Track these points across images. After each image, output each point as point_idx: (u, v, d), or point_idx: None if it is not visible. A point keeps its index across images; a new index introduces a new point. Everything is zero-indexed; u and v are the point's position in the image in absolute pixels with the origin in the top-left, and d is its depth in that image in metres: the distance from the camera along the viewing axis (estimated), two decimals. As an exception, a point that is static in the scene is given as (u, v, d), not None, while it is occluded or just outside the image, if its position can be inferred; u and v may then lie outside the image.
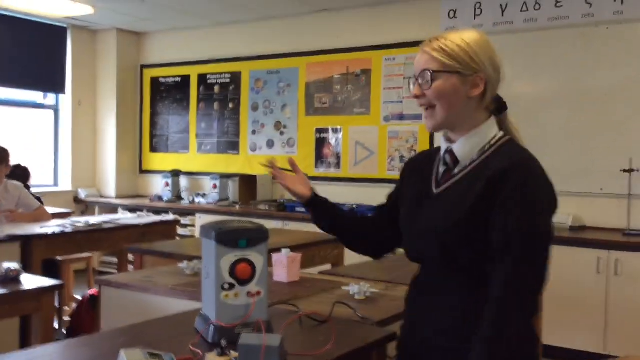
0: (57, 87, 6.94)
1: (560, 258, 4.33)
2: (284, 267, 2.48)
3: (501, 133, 1.52)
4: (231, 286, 1.60)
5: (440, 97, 1.48)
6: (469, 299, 1.46)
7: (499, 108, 1.55)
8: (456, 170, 1.51)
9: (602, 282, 4.11)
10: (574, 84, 4.75)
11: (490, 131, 1.51)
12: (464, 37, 1.49)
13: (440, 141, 1.60)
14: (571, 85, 4.77)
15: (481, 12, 5.11)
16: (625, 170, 4.45)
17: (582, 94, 4.72)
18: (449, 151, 1.53)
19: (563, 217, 4.55)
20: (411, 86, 1.56)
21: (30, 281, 2.64)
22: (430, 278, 1.55)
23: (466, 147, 1.51)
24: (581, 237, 4.34)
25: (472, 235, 1.42)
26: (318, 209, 1.78)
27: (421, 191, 1.57)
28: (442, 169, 1.55)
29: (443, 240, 1.46)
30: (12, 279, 2.60)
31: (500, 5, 5.02)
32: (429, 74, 1.48)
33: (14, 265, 2.64)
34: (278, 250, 2.55)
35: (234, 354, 1.42)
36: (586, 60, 4.70)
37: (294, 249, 2.63)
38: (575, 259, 4.19)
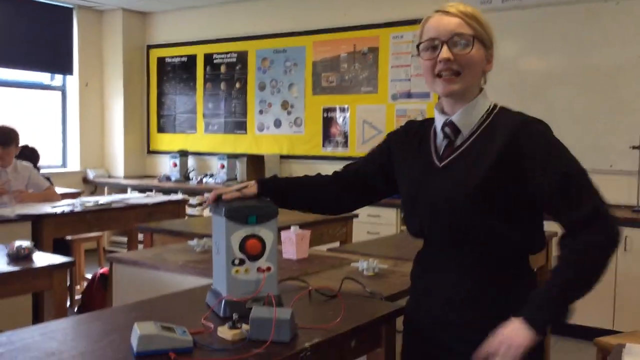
0: (64, 68, 6.94)
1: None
2: (292, 244, 2.50)
3: (493, 102, 1.54)
4: (241, 262, 1.62)
5: (472, 65, 1.46)
6: (475, 274, 1.46)
7: None
8: (458, 142, 1.50)
9: (611, 261, 4.11)
10: (583, 60, 4.71)
11: (485, 102, 1.52)
12: (480, 12, 1.50)
13: (434, 114, 1.57)
14: (580, 61, 4.72)
15: (490, -12, 5.04)
16: (635, 147, 4.43)
17: (591, 71, 4.68)
18: (449, 123, 1.51)
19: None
20: (422, 53, 1.49)
21: (42, 259, 2.67)
22: (436, 254, 1.54)
23: (467, 118, 1.50)
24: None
25: (487, 203, 1.41)
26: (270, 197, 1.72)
27: (422, 164, 1.55)
28: (443, 141, 1.52)
29: (456, 211, 1.45)
30: (24, 256, 2.63)
31: (509, -19, 4.96)
32: (471, 38, 1.44)
33: (25, 244, 2.67)
34: (287, 228, 2.56)
35: (245, 327, 1.44)
36: (595, 37, 4.65)
37: (302, 226, 2.64)
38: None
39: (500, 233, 1.43)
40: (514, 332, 1.35)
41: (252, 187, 1.69)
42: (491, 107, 1.52)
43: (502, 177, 1.41)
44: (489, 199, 1.41)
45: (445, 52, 1.44)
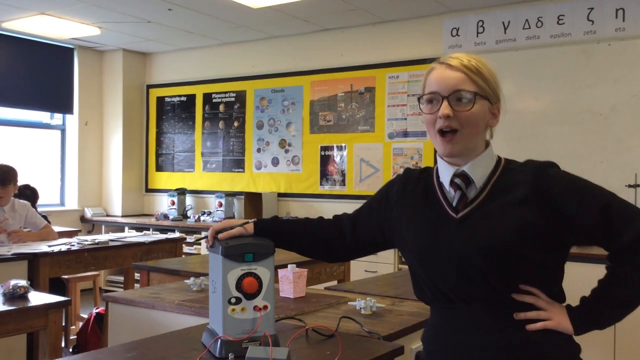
0: (65, 107, 7.02)
1: (570, 273, 4.31)
2: (290, 282, 2.49)
3: (497, 156, 1.50)
4: (238, 300, 1.61)
5: (472, 123, 1.41)
6: (503, 333, 1.38)
7: None
8: (472, 194, 1.43)
9: None
10: (577, 100, 4.78)
11: (493, 155, 1.49)
12: (487, 64, 1.45)
13: (438, 162, 1.50)
14: (574, 101, 4.79)
15: (484, 30, 5.16)
16: (630, 186, 4.46)
17: (585, 110, 4.74)
18: (460, 174, 1.44)
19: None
20: (422, 105, 1.46)
21: (38, 298, 2.66)
22: (458, 312, 1.42)
23: (479, 169, 1.44)
24: (588, 252, 4.32)
25: (518, 254, 1.35)
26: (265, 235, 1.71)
27: (434, 217, 1.46)
28: (455, 194, 1.44)
29: (486, 264, 1.35)
30: (20, 295, 2.61)
31: (503, 22, 5.07)
32: (469, 95, 1.40)
33: (21, 283, 2.66)
34: (284, 266, 2.55)
35: (241, 367, 1.43)
36: (588, 77, 4.73)
37: (299, 265, 2.63)
38: (585, 273, 4.15)
39: (531, 284, 1.38)
40: (559, 315, 1.38)
41: (249, 227, 1.68)
42: (496, 160, 1.48)
43: (533, 226, 1.36)
44: (520, 251, 1.35)
45: (445, 108, 1.40)
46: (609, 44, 4.65)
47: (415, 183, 1.55)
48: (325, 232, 1.71)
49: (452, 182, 1.45)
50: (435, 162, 1.53)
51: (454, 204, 1.44)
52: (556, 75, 4.85)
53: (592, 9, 4.70)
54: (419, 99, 1.48)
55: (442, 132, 1.41)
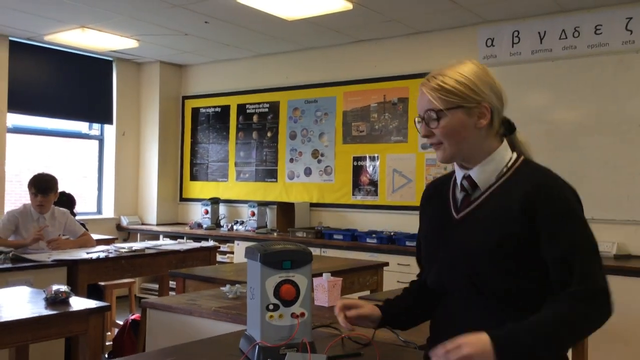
0: (104, 118, 7.19)
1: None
2: (325, 291, 2.50)
3: (515, 155, 1.54)
4: (276, 307, 1.63)
5: (450, 135, 1.51)
6: (491, 326, 1.39)
7: (508, 129, 1.58)
8: (475, 195, 1.53)
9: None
10: (615, 110, 4.70)
11: (505, 155, 1.53)
12: (460, 71, 1.52)
13: (455, 167, 1.61)
14: (612, 112, 4.71)
15: (519, 41, 5.12)
16: (671, 198, 4.35)
17: (624, 121, 4.66)
18: (467, 177, 1.55)
19: (607, 245, 4.46)
20: (417, 125, 1.59)
21: (79, 303, 2.72)
22: (453, 306, 1.54)
23: (484, 174, 1.53)
24: (627, 265, 4.24)
25: (502, 257, 1.42)
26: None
27: (441, 218, 1.59)
28: (460, 194, 1.56)
29: (473, 264, 1.46)
30: (61, 300, 2.68)
31: (539, 33, 5.02)
32: (434, 114, 1.51)
33: (63, 288, 2.72)
34: (319, 275, 2.57)
35: (279, 373, 1.44)
36: (627, 87, 4.65)
37: (333, 274, 2.64)
38: (622, 288, 4.05)
39: (516, 286, 1.42)
40: (475, 344, 1.28)
41: (375, 311, 1.71)
42: (512, 160, 1.53)
43: (514, 235, 1.42)
44: (504, 254, 1.42)
45: (422, 130, 1.55)
46: (648, 53, 4.57)
47: (438, 188, 1.67)
48: (426, 294, 1.70)
49: (461, 184, 1.56)
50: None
51: (458, 205, 1.56)
52: (594, 85, 4.78)
53: (630, 18, 4.63)
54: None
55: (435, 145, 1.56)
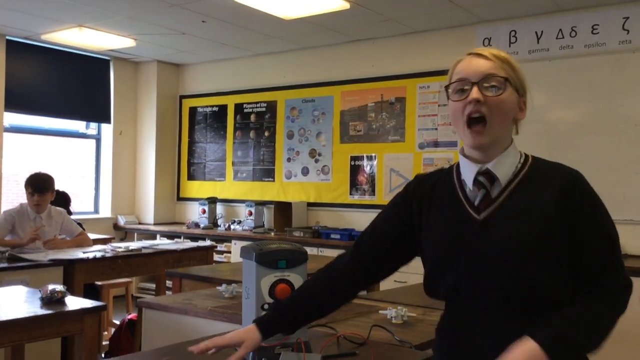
0: (101, 117, 7.18)
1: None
2: (320, 291, 2.50)
3: (523, 153, 1.47)
4: (271, 306, 1.63)
5: (502, 110, 1.38)
6: (518, 333, 1.31)
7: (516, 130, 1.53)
8: (495, 192, 1.39)
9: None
10: (612, 110, 4.70)
11: (517, 151, 1.45)
12: (514, 60, 1.45)
13: (460, 160, 1.46)
14: (609, 111, 4.72)
15: (516, 40, 5.12)
16: (667, 197, 4.36)
17: (620, 121, 4.66)
18: (484, 172, 1.40)
19: (603, 245, 4.47)
20: (451, 94, 1.41)
21: (75, 302, 2.71)
22: (475, 312, 1.38)
23: (504, 167, 1.40)
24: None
25: (541, 257, 1.33)
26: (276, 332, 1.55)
27: (456, 218, 1.42)
28: (477, 193, 1.40)
29: (508, 267, 1.33)
30: (57, 300, 2.67)
31: (536, 32, 5.03)
32: (504, 80, 1.38)
33: (59, 287, 2.72)
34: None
35: (274, 372, 1.44)
36: (624, 87, 4.65)
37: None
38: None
39: (546, 287, 1.34)
40: (526, 357, 1.22)
41: (252, 335, 1.50)
42: (522, 157, 1.45)
43: (555, 231, 1.34)
44: (543, 254, 1.33)
45: (475, 93, 1.36)
46: (645, 53, 4.57)
47: (433, 184, 1.51)
48: (341, 279, 1.57)
49: (475, 181, 1.41)
50: (458, 162, 1.49)
51: (475, 204, 1.40)
52: (591, 85, 4.78)
53: (627, 18, 4.64)
54: (446, 88, 1.44)
55: (470, 122, 1.38)
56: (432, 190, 1.49)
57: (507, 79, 1.38)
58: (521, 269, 1.32)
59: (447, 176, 1.50)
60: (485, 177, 1.40)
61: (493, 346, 1.32)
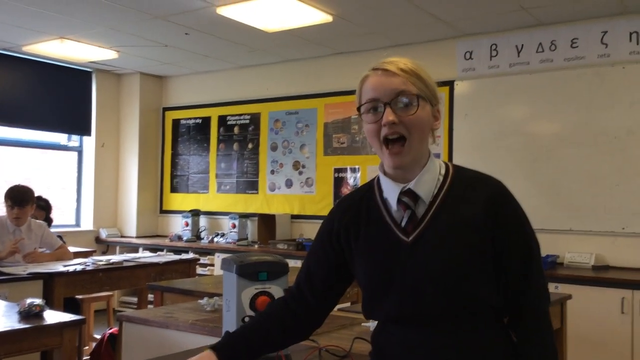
0: (83, 129, 7.12)
1: (584, 298, 4.29)
2: (303, 303, 2.48)
3: (442, 162, 1.43)
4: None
5: (419, 127, 1.33)
6: (455, 351, 1.32)
7: None
8: (420, 211, 1.36)
9: (628, 323, 4.03)
10: (592, 123, 4.77)
11: (436, 162, 1.40)
12: (423, 66, 1.40)
13: (381, 180, 1.42)
14: (589, 124, 4.78)
15: (497, 54, 5.18)
16: (646, 209, 4.41)
17: (600, 133, 4.72)
18: (407, 192, 1.36)
19: (585, 256, 4.51)
20: (365, 114, 1.36)
21: (53, 316, 2.67)
22: (411, 334, 1.35)
23: (426, 184, 1.36)
24: (604, 276, 4.28)
25: (471, 274, 1.31)
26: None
27: (385, 241, 1.37)
28: (402, 214, 1.36)
29: (442, 288, 1.30)
30: (35, 314, 2.63)
31: (516, 46, 5.09)
32: (410, 99, 1.32)
33: (37, 301, 2.68)
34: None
35: (254, 385, 1.42)
36: (603, 100, 4.72)
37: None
38: (599, 299, 4.12)
39: (484, 300, 1.34)
40: None
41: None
42: (443, 168, 1.40)
43: (483, 245, 1.33)
44: (473, 270, 1.31)
45: (389, 115, 1.31)
46: (623, 67, 4.65)
47: (356, 207, 1.46)
48: (287, 312, 1.52)
49: (399, 201, 1.37)
50: (378, 177, 1.45)
51: (402, 225, 1.36)
52: (571, 98, 4.85)
53: (605, 32, 4.72)
54: (358, 109, 1.40)
55: (387, 143, 1.34)
56: (357, 216, 1.44)
57: (419, 95, 1.34)
58: (454, 287, 1.30)
59: (369, 194, 1.45)
60: (409, 197, 1.36)
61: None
